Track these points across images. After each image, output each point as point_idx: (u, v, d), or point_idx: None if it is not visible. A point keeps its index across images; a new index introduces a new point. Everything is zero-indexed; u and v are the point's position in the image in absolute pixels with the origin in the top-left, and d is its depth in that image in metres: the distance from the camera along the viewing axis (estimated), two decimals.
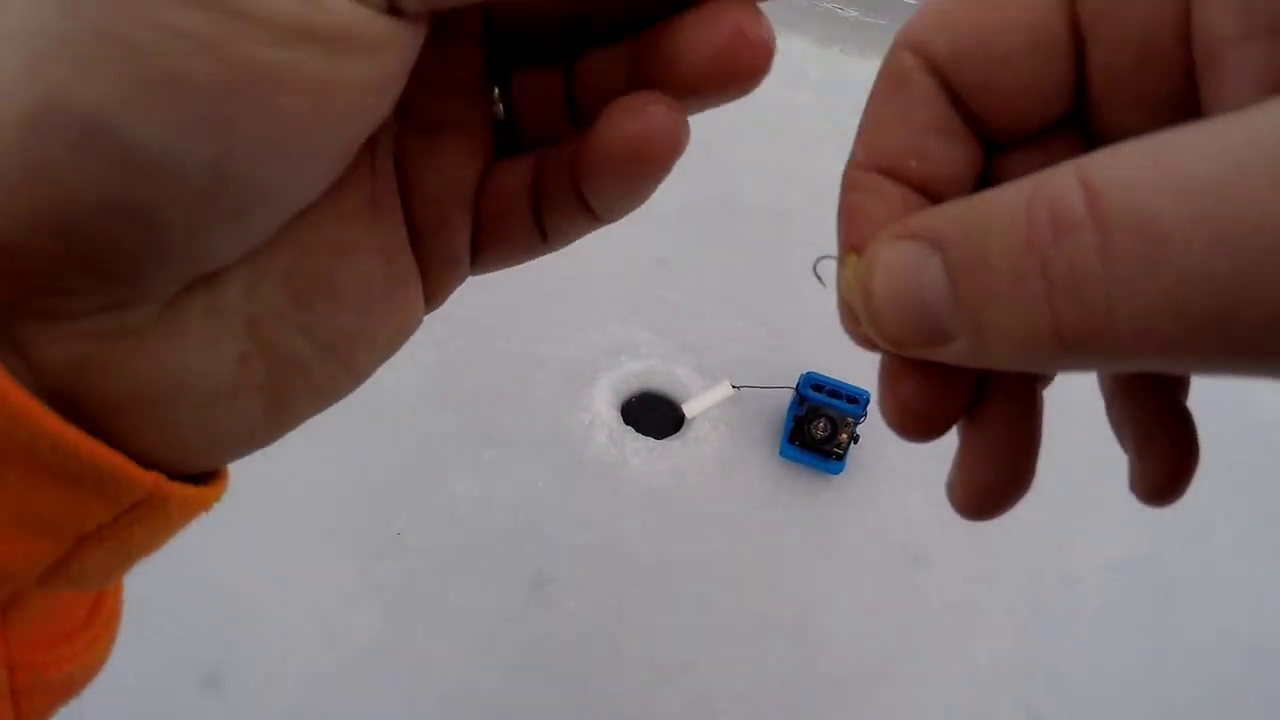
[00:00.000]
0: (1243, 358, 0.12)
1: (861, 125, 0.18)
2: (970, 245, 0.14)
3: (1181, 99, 0.16)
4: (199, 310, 0.17)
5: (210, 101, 0.14)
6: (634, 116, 0.19)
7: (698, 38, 0.18)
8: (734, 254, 1.30)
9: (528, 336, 1.13)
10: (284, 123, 0.15)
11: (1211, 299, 0.12)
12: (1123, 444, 0.22)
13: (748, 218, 1.37)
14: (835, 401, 1.10)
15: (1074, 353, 0.14)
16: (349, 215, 0.19)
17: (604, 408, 1.11)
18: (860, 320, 0.17)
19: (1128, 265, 0.12)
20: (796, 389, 1.11)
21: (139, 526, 0.17)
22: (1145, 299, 0.12)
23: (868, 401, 1.10)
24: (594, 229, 0.22)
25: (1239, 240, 0.11)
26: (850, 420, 1.09)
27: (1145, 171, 0.12)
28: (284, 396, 0.19)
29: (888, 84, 0.18)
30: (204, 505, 0.19)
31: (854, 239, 0.18)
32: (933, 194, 0.18)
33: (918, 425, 0.20)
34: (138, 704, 0.85)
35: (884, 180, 0.18)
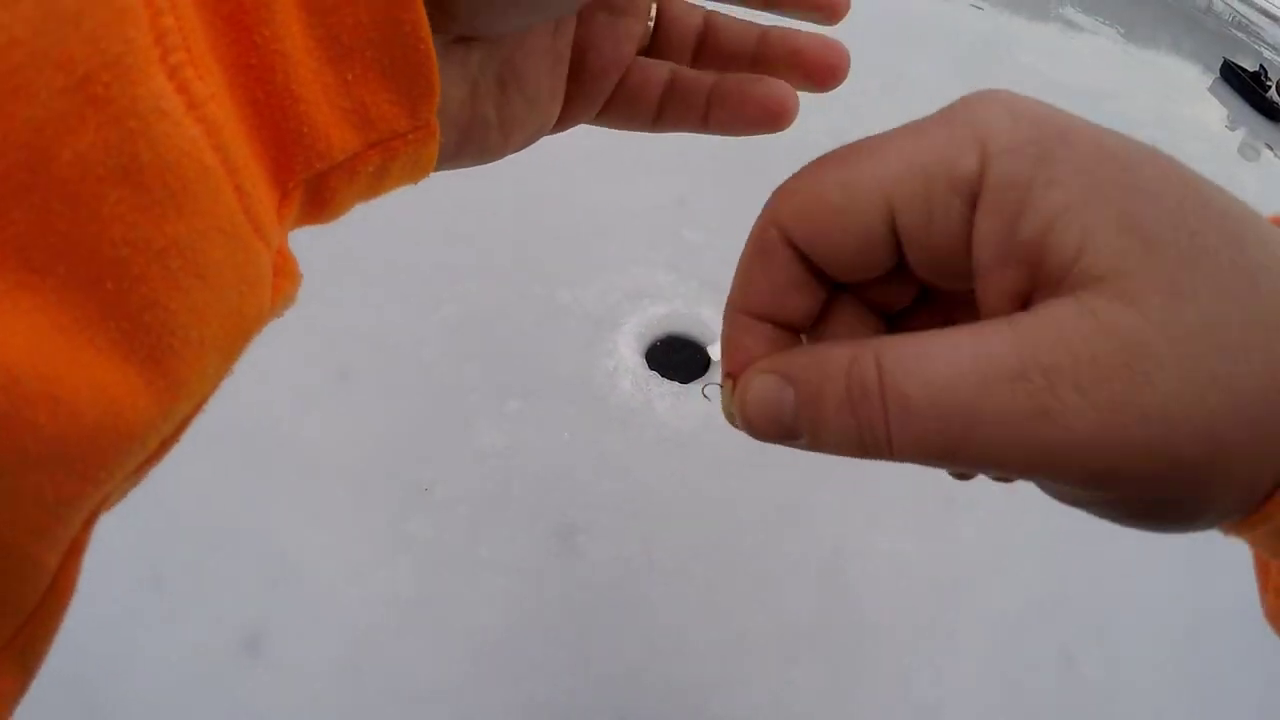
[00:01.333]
0: (975, 468, 0.19)
1: (735, 278, 0.23)
2: (811, 387, 0.21)
3: (968, 281, 0.21)
4: (457, 60, 0.22)
5: None
6: (774, 88, 0.26)
7: (809, 61, 0.25)
8: (754, 190, 1.25)
9: (547, 283, 1.11)
10: None
11: (943, 440, 0.18)
12: None
13: (765, 153, 1.33)
14: None
15: (872, 454, 0.19)
16: (548, 45, 0.25)
17: (628, 353, 1.09)
18: (734, 422, 0.23)
19: (896, 423, 0.18)
20: None
21: (413, 152, 0.20)
22: (906, 439, 0.18)
23: None
24: (696, 131, 0.28)
25: (956, 415, 0.18)
26: None
27: (910, 366, 0.18)
28: (472, 137, 0.24)
29: (755, 249, 0.23)
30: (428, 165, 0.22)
31: (730, 366, 0.23)
32: (790, 327, 0.23)
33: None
34: (183, 671, 0.85)
35: (753, 321, 0.23)
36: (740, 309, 0.24)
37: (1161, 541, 1.13)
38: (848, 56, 0.26)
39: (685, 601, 0.97)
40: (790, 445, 0.22)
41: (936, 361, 0.19)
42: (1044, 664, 1.07)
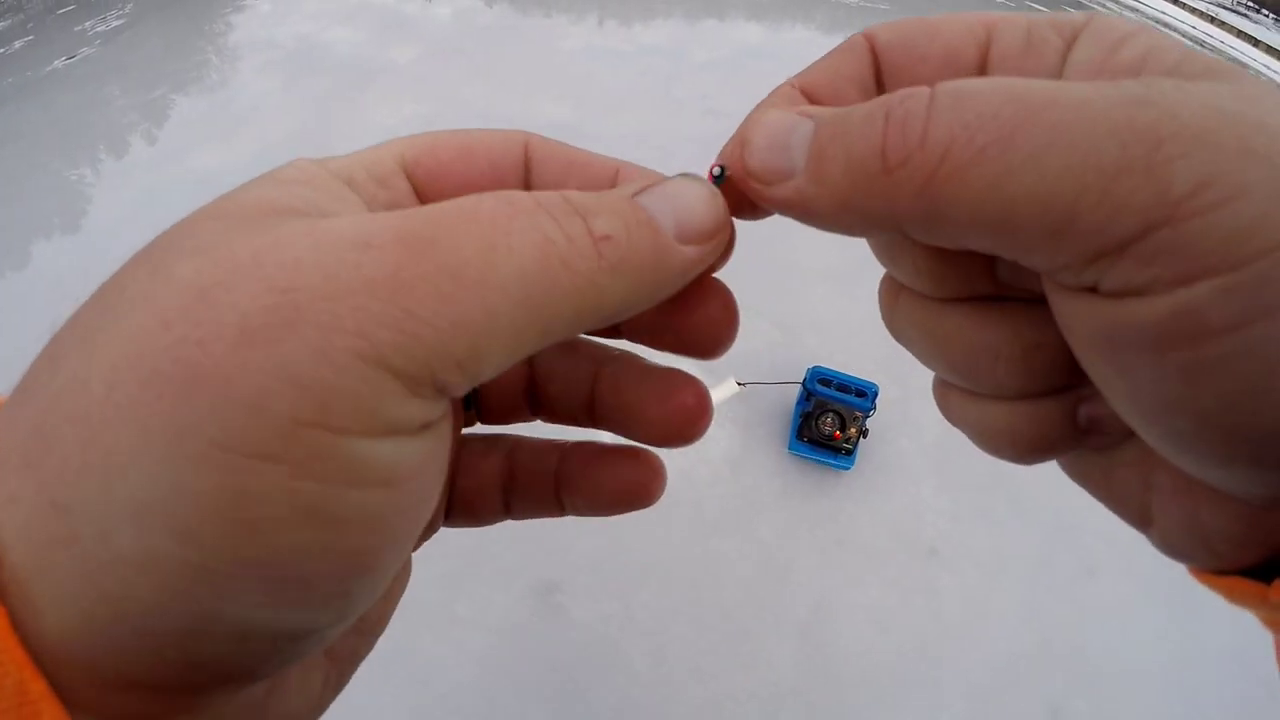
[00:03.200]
0: (1008, 181, 0.17)
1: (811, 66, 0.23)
2: (838, 120, 0.19)
3: None
4: (294, 666, 0.22)
5: (332, 589, 0.18)
6: (624, 472, 0.25)
7: (653, 402, 0.24)
8: (738, 249, 1.27)
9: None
10: (394, 566, 0.19)
11: (993, 129, 0.17)
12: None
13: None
14: (844, 396, 1.08)
15: (892, 172, 0.18)
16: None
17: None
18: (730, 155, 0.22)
19: (941, 110, 0.17)
20: (803, 384, 1.10)
21: None
22: (948, 126, 0.17)
23: (876, 395, 1.08)
24: (558, 515, 0.27)
25: (1021, 103, 0.17)
26: (859, 414, 1.07)
27: (982, 82, 0.17)
28: (346, 674, 0.25)
29: (841, 47, 0.23)
30: None
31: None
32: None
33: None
34: None
35: (800, 95, 0.23)
36: (795, 82, 0.24)
37: (1145, 584, 1.12)
38: (705, 402, 0.24)
39: (666, 660, 0.97)
40: (773, 193, 0.21)
41: (1021, 82, 0.18)
42: (1031, 717, 1.06)
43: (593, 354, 0.26)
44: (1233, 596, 0.20)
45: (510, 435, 0.27)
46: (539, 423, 0.27)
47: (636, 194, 0.21)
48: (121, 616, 0.16)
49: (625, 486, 0.25)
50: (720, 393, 1.05)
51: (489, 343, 0.18)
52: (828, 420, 1.06)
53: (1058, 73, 0.20)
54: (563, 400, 0.26)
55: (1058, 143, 0.17)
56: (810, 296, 1.12)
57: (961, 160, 0.17)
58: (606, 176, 0.25)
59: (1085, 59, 0.20)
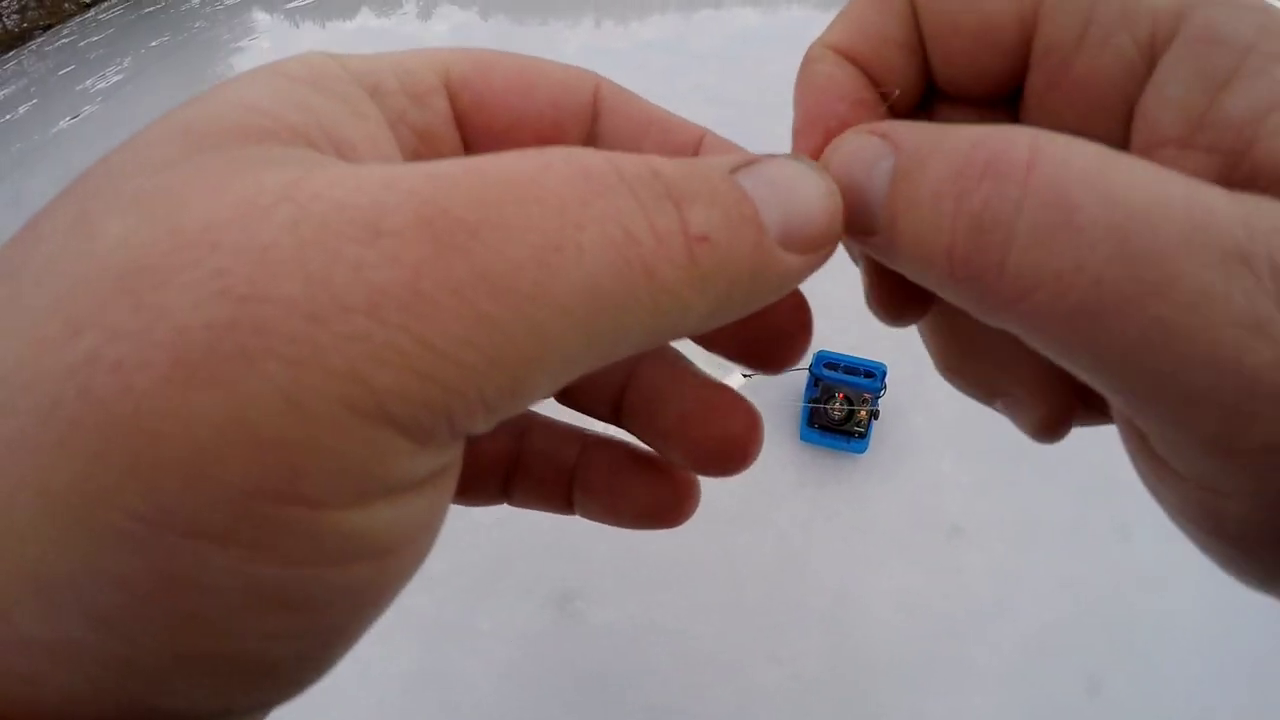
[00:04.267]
0: (1091, 357, 0.14)
1: (840, 16, 0.20)
2: (917, 156, 0.16)
3: (1108, 134, 0.17)
4: None
5: (304, 670, 0.15)
6: (656, 489, 0.22)
7: (695, 421, 0.20)
8: None
9: None
10: (363, 627, 0.16)
11: (1091, 293, 0.13)
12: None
13: None
14: (852, 378, 1.07)
15: (960, 284, 0.15)
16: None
17: None
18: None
19: (1036, 230, 0.14)
20: (810, 370, 1.09)
21: None
22: (1037, 264, 0.14)
23: (885, 375, 1.07)
24: (564, 513, 0.23)
25: (1134, 267, 0.13)
26: (868, 396, 1.06)
27: (1089, 168, 0.14)
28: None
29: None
30: None
31: (804, 117, 0.19)
32: (878, 84, 0.19)
33: (895, 316, 0.21)
34: None
35: (839, 58, 0.19)
36: (829, 43, 0.20)
37: (1182, 542, 1.09)
38: (755, 433, 0.21)
39: (689, 661, 0.96)
40: (860, 244, 0.17)
41: (1128, 179, 0.14)
42: (1070, 690, 1.04)
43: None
44: None
45: (526, 411, 0.22)
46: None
47: (734, 170, 0.16)
48: (39, 700, 0.13)
49: (653, 504, 0.22)
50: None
51: (535, 377, 0.14)
52: (835, 405, 1.04)
53: (1122, 93, 0.16)
54: (587, 391, 0.22)
55: (1155, 344, 0.14)
56: (817, 280, 1.10)
57: (1043, 310, 0.14)
58: (689, 144, 0.21)
59: (1179, 95, 0.15)
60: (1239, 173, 0.15)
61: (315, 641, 0.14)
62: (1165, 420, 0.15)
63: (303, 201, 0.13)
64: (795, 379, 1.12)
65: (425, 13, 2.83)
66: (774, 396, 1.12)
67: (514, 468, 0.23)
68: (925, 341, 0.24)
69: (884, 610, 1.02)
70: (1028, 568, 1.09)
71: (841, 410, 1.05)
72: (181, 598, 0.12)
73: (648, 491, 0.22)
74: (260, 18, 2.64)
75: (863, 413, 1.05)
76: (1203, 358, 0.13)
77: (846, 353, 1.09)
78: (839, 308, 1.22)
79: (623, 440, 0.22)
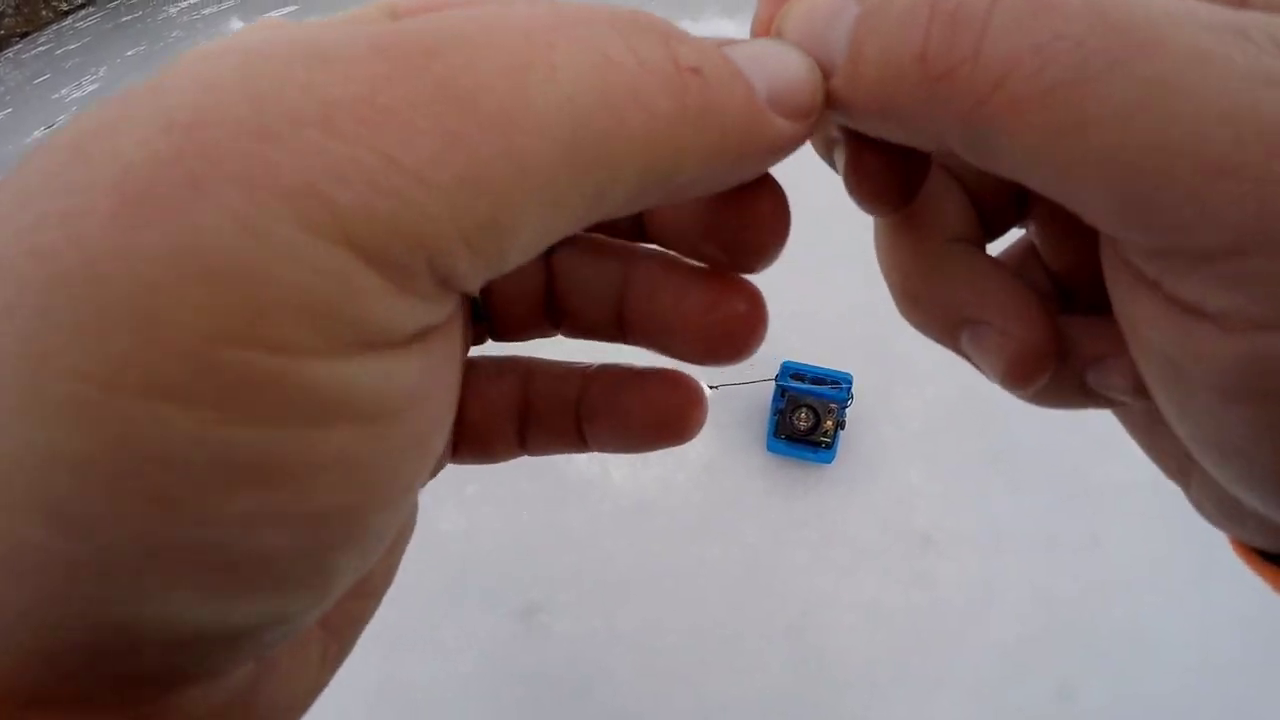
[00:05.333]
0: (1081, 145, 0.13)
1: None
2: (879, 8, 0.15)
3: None
4: (285, 646, 0.17)
5: (302, 568, 0.13)
6: (656, 397, 0.21)
7: (698, 309, 0.19)
8: None
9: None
10: (386, 530, 0.14)
11: (1074, 57, 0.12)
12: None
13: None
14: (818, 389, 1.06)
15: (934, 87, 0.14)
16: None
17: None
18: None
19: (1010, 13, 0.13)
20: (776, 380, 1.08)
21: None
22: (1013, 44, 0.13)
23: (850, 384, 1.06)
24: (582, 452, 0.22)
25: (1118, 33, 0.12)
26: (834, 406, 1.05)
27: None
28: (347, 647, 0.21)
29: None
30: None
31: None
32: None
33: (879, 197, 0.20)
34: None
35: None
36: None
37: (1153, 550, 1.09)
38: (760, 310, 0.20)
39: (652, 673, 0.96)
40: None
41: None
42: (1041, 699, 1.04)
43: (622, 253, 0.21)
44: (1274, 585, 0.18)
45: (525, 357, 0.23)
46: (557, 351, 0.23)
47: (720, 46, 0.16)
48: None
49: (658, 413, 0.21)
50: None
51: (518, 210, 0.12)
52: (801, 415, 1.04)
53: None
54: (587, 310, 0.21)
55: (1153, 108, 0.13)
56: (782, 291, 1.10)
57: (1022, 94, 0.13)
58: None
59: None
60: None
61: (309, 530, 0.12)
62: (1187, 213, 0.13)
63: (252, 46, 0.12)
64: (763, 392, 1.11)
65: None
66: (741, 408, 1.12)
67: (525, 414, 0.22)
68: (885, 269, 0.22)
69: (852, 621, 1.02)
70: (998, 577, 1.08)
71: (806, 420, 1.04)
72: (145, 475, 0.11)
73: (650, 402, 0.21)
74: (238, 28, 2.64)
75: (829, 422, 1.05)
76: (1215, 113, 0.12)
77: (812, 363, 1.09)
78: (804, 318, 1.22)
79: (621, 363, 0.22)
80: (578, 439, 0.22)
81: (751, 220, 0.19)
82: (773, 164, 0.17)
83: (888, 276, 0.22)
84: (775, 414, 1.07)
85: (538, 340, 0.23)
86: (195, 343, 0.11)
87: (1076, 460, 1.11)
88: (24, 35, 2.27)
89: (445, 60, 0.12)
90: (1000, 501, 1.11)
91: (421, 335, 0.13)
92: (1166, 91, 0.12)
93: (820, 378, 1.07)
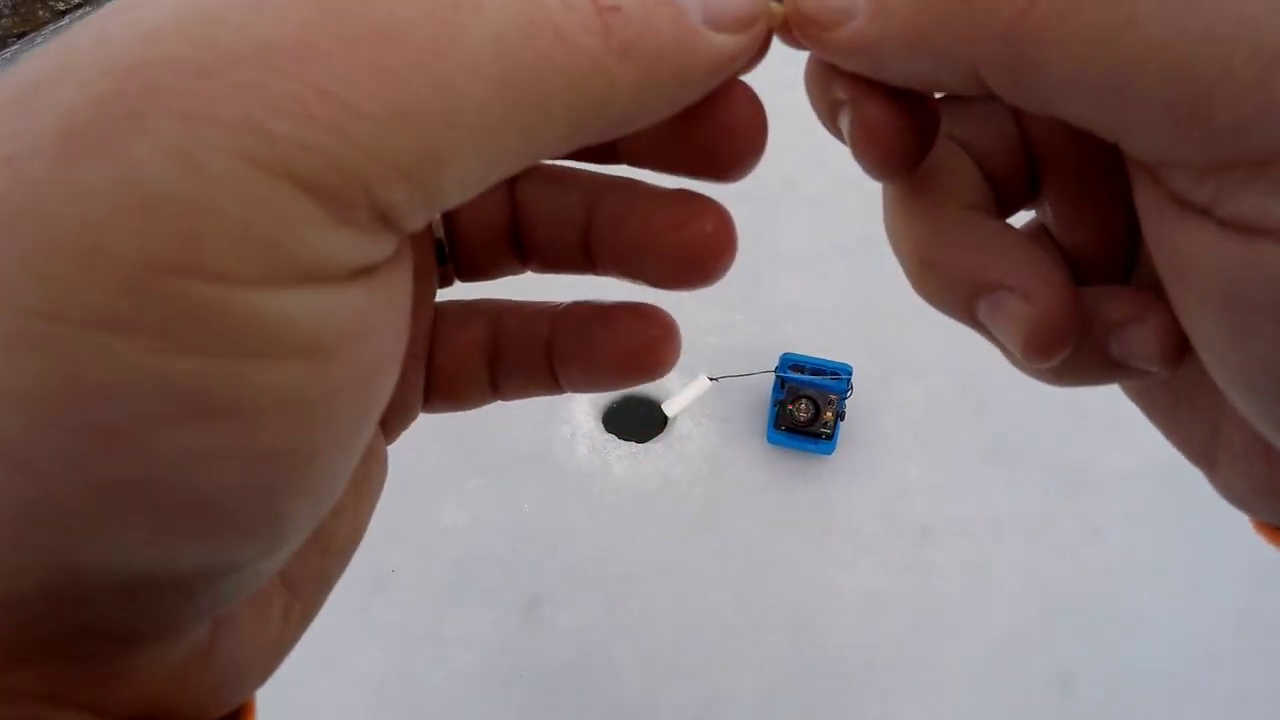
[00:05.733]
0: (1136, 29, 0.12)
1: None
2: None
3: None
4: (242, 603, 0.17)
5: (251, 511, 0.13)
6: (625, 331, 0.21)
7: (664, 230, 0.19)
8: None
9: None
10: (336, 475, 0.14)
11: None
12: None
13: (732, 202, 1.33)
14: (818, 380, 1.06)
15: (969, 6, 0.14)
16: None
17: (584, 418, 1.10)
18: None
19: None
20: (776, 372, 1.08)
21: None
22: None
23: (850, 375, 1.07)
24: (553, 394, 0.22)
25: None
26: (834, 397, 1.05)
27: None
28: (313, 607, 0.21)
29: None
30: None
31: None
32: None
33: (890, 157, 0.19)
34: None
35: None
36: None
37: (1153, 540, 1.09)
38: (728, 228, 0.20)
39: (654, 664, 0.96)
40: (832, 39, 0.17)
41: None
42: (1041, 688, 1.04)
43: (586, 183, 0.21)
44: None
45: (494, 300, 0.23)
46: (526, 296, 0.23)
47: None
48: None
49: (628, 348, 0.21)
50: (692, 391, 1.04)
51: (451, 143, 0.13)
52: (801, 406, 1.04)
53: None
54: (553, 243, 0.21)
55: None
56: (782, 283, 1.11)
57: None
58: None
59: None
60: None
61: (253, 469, 0.13)
62: (1234, 114, 0.12)
63: None
64: (763, 383, 1.11)
65: None
66: (741, 399, 1.12)
67: (496, 358, 0.22)
68: (897, 238, 0.22)
69: (852, 611, 1.02)
70: (998, 567, 1.09)
71: (806, 411, 1.04)
72: (88, 408, 0.11)
73: (621, 335, 0.21)
74: None
75: (828, 413, 1.05)
76: (1269, 2, 0.12)
77: (812, 355, 1.09)
78: (804, 310, 1.22)
79: (591, 300, 0.22)
80: (550, 380, 0.22)
81: (720, 129, 0.19)
82: (720, 79, 0.17)
83: (899, 246, 0.22)
84: (775, 405, 1.07)
85: (516, 287, 0.22)
86: (135, 273, 0.11)
87: (1076, 451, 1.11)
88: (21, 35, 2.27)
89: (370, 3, 0.12)
90: (1000, 492, 1.12)
91: (365, 271, 0.14)
92: None
93: (820, 369, 1.07)
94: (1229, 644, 1.03)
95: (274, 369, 0.12)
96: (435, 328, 0.22)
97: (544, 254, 0.22)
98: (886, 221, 0.22)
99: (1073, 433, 1.10)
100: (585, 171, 0.21)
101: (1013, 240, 0.20)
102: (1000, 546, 1.09)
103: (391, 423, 0.23)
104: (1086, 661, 1.04)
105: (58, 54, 0.12)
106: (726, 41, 0.16)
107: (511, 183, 0.22)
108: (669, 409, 1.09)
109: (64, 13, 2.56)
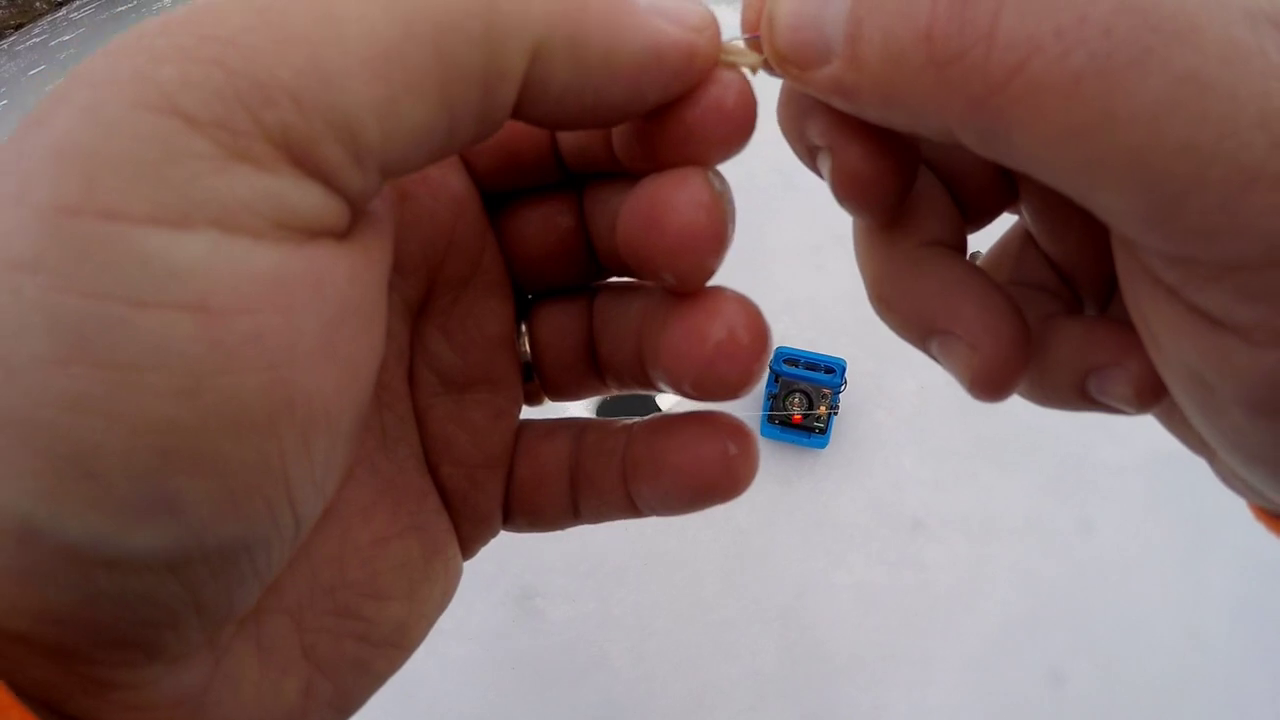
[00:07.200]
0: (1107, 142, 0.12)
1: None
2: None
3: None
4: (250, 653, 0.17)
5: (138, 487, 0.12)
6: (703, 442, 0.20)
7: (691, 341, 0.18)
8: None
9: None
10: (249, 466, 0.13)
11: (1100, 46, 0.11)
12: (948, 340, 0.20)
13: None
14: (812, 374, 1.07)
15: (943, 71, 0.13)
16: (373, 504, 0.19)
17: (579, 410, 1.10)
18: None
19: None
20: (770, 367, 1.09)
21: None
22: (1033, 23, 0.12)
23: (844, 370, 1.07)
24: (632, 518, 0.21)
25: (1147, 16, 0.11)
26: (827, 391, 1.06)
27: None
28: (350, 695, 0.20)
29: None
30: None
31: None
32: None
33: (869, 202, 0.19)
34: None
35: None
36: None
37: (1143, 535, 1.09)
38: (761, 351, 0.19)
39: (647, 656, 0.96)
40: (810, 79, 0.16)
41: None
42: (1033, 683, 1.04)
43: (643, 292, 0.21)
44: None
45: (580, 418, 0.22)
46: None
47: None
48: None
49: (699, 462, 0.20)
50: None
51: (344, 66, 0.13)
52: (794, 400, 1.04)
53: None
54: (615, 354, 0.21)
55: (1186, 106, 0.12)
56: (777, 277, 1.11)
57: (1042, 83, 0.12)
58: None
59: None
60: None
61: (136, 438, 0.12)
62: (1215, 220, 0.12)
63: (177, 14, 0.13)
64: None
65: None
66: None
67: (576, 476, 0.22)
68: (860, 268, 0.22)
69: (844, 605, 1.02)
70: (990, 562, 1.09)
71: (799, 405, 1.04)
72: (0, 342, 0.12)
73: (691, 449, 0.20)
74: None
75: (821, 408, 1.05)
76: (1252, 116, 0.11)
77: (806, 349, 1.09)
78: (798, 304, 1.22)
79: (666, 413, 0.21)
80: (627, 501, 0.21)
81: (700, 117, 0.18)
82: (678, 77, 0.16)
83: (862, 276, 0.22)
84: (769, 399, 1.07)
85: None
86: (44, 213, 0.12)
87: (1068, 446, 1.12)
88: (18, 27, 2.26)
89: None
90: (992, 486, 1.12)
91: (293, 235, 0.13)
92: (1200, 89, 0.12)
93: (814, 363, 1.08)
94: (1220, 639, 1.03)
95: (157, 317, 0.12)
96: (519, 442, 0.22)
97: (613, 368, 0.21)
98: (854, 248, 0.22)
99: (1065, 429, 1.10)
100: (648, 284, 0.20)
101: (966, 285, 0.20)
102: (992, 541, 1.10)
103: (468, 532, 0.23)
104: (1078, 656, 1.04)
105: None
106: (673, 30, 0.16)
107: (590, 300, 0.22)
108: (663, 403, 1.09)
109: (60, 4, 2.55)
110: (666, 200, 0.18)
